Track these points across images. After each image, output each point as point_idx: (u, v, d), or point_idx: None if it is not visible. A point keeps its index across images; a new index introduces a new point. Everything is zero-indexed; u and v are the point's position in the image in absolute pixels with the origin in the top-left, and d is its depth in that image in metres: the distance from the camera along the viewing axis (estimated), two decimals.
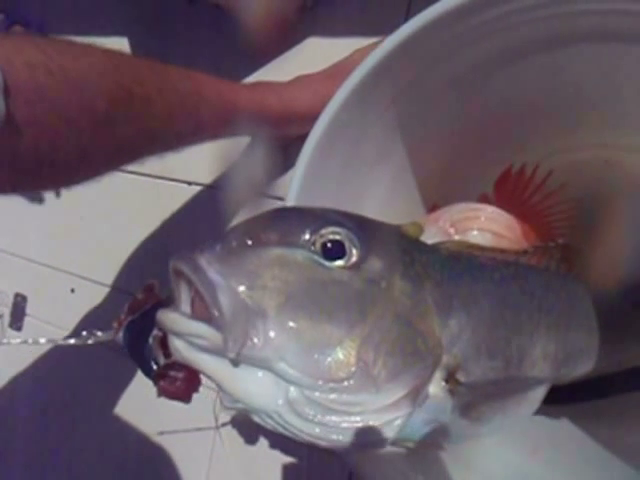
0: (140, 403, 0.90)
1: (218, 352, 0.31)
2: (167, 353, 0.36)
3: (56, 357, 1.00)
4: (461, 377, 0.37)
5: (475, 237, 0.45)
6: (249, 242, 0.33)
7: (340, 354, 0.31)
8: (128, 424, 0.94)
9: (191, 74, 0.60)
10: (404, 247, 0.37)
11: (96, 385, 0.97)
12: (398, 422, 0.33)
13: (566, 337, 0.46)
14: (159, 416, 0.86)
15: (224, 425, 0.81)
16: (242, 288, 0.31)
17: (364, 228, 0.35)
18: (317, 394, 0.31)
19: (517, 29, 0.40)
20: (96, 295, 1.00)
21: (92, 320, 0.99)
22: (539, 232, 0.52)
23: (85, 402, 0.99)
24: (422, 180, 0.54)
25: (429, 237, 0.43)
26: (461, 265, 0.39)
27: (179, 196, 0.90)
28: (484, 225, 0.46)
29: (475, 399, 0.37)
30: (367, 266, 0.34)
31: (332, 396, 0.31)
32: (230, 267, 0.32)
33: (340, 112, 0.42)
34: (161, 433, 0.87)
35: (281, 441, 0.76)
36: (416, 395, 0.33)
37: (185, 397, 0.36)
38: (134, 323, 0.37)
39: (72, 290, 1.03)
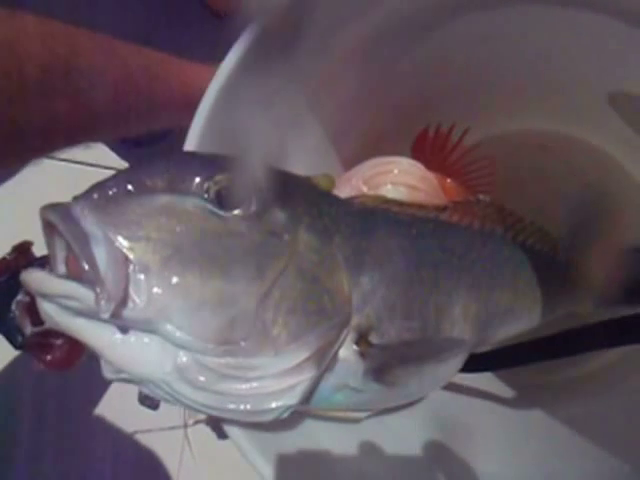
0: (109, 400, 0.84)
1: (92, 314, 0.27)
2: (37, 320, 0.32)
3: None
4: (374, 339, 0.34)
5: (389, 192, 0.42)
6: (131, 189, 0.29)
7: (234, 313, 0.28)
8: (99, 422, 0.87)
9: (143, 50, 0.54)
10: (312, 199, 0.34)
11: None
12: (301, 387, 0.30)
13: (489, 297, 0.44)
14: (130, 415, 0.80)
15: (197, 422, 0.77)
16: (121, 239, 0.27)
17: (267, 176, 0.31)
18: (209, 358, 0.28)
19: None
20: None
21: None
22: (460, 190, 0.50)
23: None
24: (340, 145, 0.51)
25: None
26: (375, 219, 0.36)
27: None
28: (397, 179, 0.43)
29: (389, 362, 0.34)
30: (269, 217, 0.30)
31: (226, 360, 0.28)
32: (108, 216, 0.28)
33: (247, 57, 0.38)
34: (135, 432, 0.82)
35: None
36: (321, 358, 0.30)
37: (65, 367, 0.32)
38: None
39: None
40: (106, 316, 0.26)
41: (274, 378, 0.29)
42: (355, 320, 0.33)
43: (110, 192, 0.28)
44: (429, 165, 0.46)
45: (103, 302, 0.26)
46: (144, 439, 0.82)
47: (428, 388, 0.41)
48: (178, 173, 0.29)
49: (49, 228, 0.28)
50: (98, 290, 0.26)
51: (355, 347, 0.33)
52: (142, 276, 0.27)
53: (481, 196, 0.47)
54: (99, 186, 0.29)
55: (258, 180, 0.30)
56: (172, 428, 0.79)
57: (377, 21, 0.42)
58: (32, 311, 0.31)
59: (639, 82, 0.44)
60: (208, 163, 0.31)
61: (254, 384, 0.29)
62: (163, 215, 0.28)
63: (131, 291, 0.27)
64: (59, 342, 0.31)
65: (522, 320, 0.49)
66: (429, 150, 0.47)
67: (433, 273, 0.38)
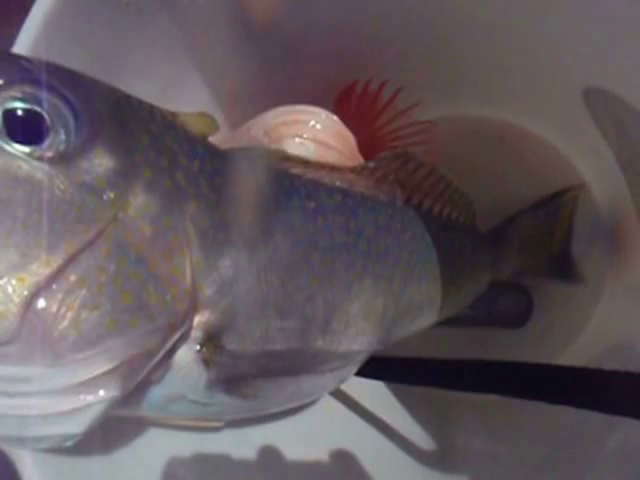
0: None
1: None
2: None
3: None
4: (229, 341, 0.25)
5: (294, 147, 0.33)
6: None
7: None
8: None
9: None
10: (165, 143, 0.24)
11: None
12: (92, 412, 0.21)
13: (402, 291, 0.36)
14: None
15: None
16: None
17: (90, 96, 0.22)
18: None
19: None
20: None
21: None
22: None
23: None
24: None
25: None
26: (259, 183, 0.27)
27: None
28: (307, 132, 0.34)
29: (246, 372, 0.26)
30: (85, 162, 0.21)
31: None
32: None
33: None
34: None
35: None
36: (131, 372, 0.22)
37: None
38: None
39: None
40: None
41: (50, 396, 0.20)
42: (203, 317, 0.24)
43: None
44: (351, 126, 0.37)
45: None
46: None
47: (304, 398, 0.33)
48: None
49: None
50: None
51: (198, 350, 0.25)
52: None
53: (412, 151, 0.38)
54: None
55: (74, 102, 0.21)
56: None
57: None
58: None
59: (616, 82, 0.36)
60: (5, 64, 0.21)
61: (20, 402, 0.20)
62: None
63: None
64: None
65: (437, 313, 0.41)
66: (354, 108, 0.38)
67: (329, 260, 0.30)
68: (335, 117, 0.36)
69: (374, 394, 0.46)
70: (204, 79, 0.35)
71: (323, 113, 0.36)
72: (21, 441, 0.21)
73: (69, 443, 0.21)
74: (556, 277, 0.53)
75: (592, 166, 0.50)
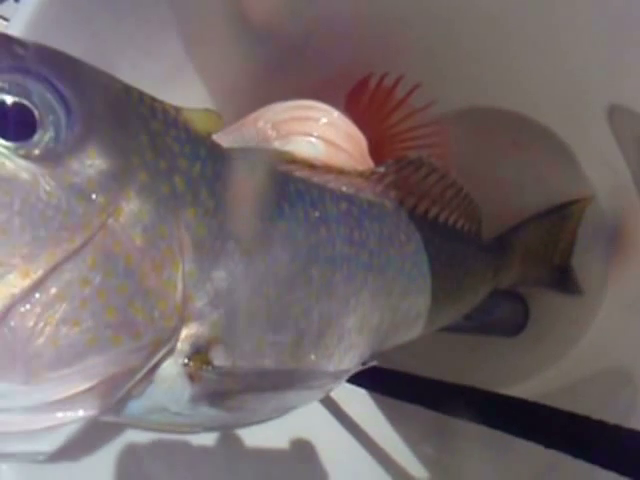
0: None
1: None
2: None
3: None
4: (217, 356, 0.24)
5: (302, 145, 0.31)
6: None
7: None
8: None
9: None
10: (165, 143, 0.22)
11: None
12: (68, 430, 0.20)
13: (399, 305, 0.35)
14: None
15: None
16: None
17: (86, 88, 0.20)
18: None
19: None
20: None
21: None
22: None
23: None
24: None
25: (240, 143, 0.29)
26: (262, 189, 0.26)
27: None
28: (317, 130, 0.32)
29: (233, 387, 0.25)
30: (75, 162, 0.19)
31: None
32: None
33: None
34: None
35: None
36: (112, 389, 0.20)
37: None
38: None
39: None
40: None
41: (26, 413, 0.19)
42: (191, 329, 0.23)
43: None
44: (363, 123, 0.35)
45: None
46: None
47: (289, 410, 0.32)
48: None
49: None
50: None
51: (184, 364, 0.23)
52: None
53: (424, 156, 0.36)
54: None
55: (70, 95, 0.19)
56: None
57: None
58: None
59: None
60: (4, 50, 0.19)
61: None
62: None
63: None
64: None
65: (433, 323, 0.40)
66: (366, 103, 0.36)
67: (329, 272, 0.29)
68: (346, 118, 0.34)
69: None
70: (202, 73, 0.34)
71: (335, 112, 0.34)
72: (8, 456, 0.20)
73: (40, 459, 0.20)
74: (555, 287, 0.52)
75: (606, 181, 0.49)
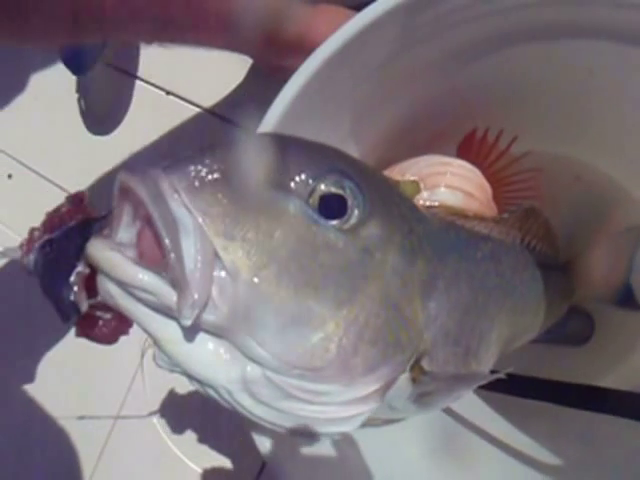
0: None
1: (165, 310, 0.24)
2: (92, 291, 0.29)
3: None
4: (425, 364, 0.33)
5: (445, 195, 0.40)
6: (232, 173, 0.25)
7: (321, 338, 0.26)
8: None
9: None
10: (404, 212, 0.31)
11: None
12: (361, 417, 0.28)
13: (519, 320, 0.44)
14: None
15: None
16: (215, 234, 0.24)
17: (369, 182, 0.28)
18: (281, 377, 0.26)
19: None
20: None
21: None
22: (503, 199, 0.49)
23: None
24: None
25: None
26: (450, 240, 0.35)
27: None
28: (454, 182, 0.41)
29: (433, 388, 0.33)
30: (365, 232, 0.28)
31: (298, 382, 0.26)
32: (202, 202, 0.24)
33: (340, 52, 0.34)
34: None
35: None
36: (387, 389, 0.29)
37: (108, 342, 0.29)
38: (51, 244, 0.28)
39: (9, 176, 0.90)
40: (187, 322, 0.23)
41: (339, 406, 0.28)
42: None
43: (206, 172, 0.25)
44: None
45: (186, 308, 0.23)
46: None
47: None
48: (286, 165, 0.26)
49: (123, 192, 0.25)
50: (183, 293, 0.23)
51: (408, 372, 0.32)
52: (230, 280, 0.24)
53: (533, 204, 0.45)
54: (193, 160, 0.25)
55: (363, 188, 0.28)
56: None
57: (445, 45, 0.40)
58: (88, 283, 0.28)
59: None
60: (317, 158, 0.27)
61: (317, 408, 0.27)
62: (263, 214, 0.25)
63: (214, 293, 0.24)
64: (107, 317, 0.29)
65: (531, 335, 0.49)
66: (475, 154, 0.45)
67: (486, 298, 0.37)
68: (476, 170, 0.43)
69: None
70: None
71: (468, 165, 0.43)
72: (310, 436, 0.28)
73: (336, 438, 0.29)
74: (618, 304, 0.61)
75: None
